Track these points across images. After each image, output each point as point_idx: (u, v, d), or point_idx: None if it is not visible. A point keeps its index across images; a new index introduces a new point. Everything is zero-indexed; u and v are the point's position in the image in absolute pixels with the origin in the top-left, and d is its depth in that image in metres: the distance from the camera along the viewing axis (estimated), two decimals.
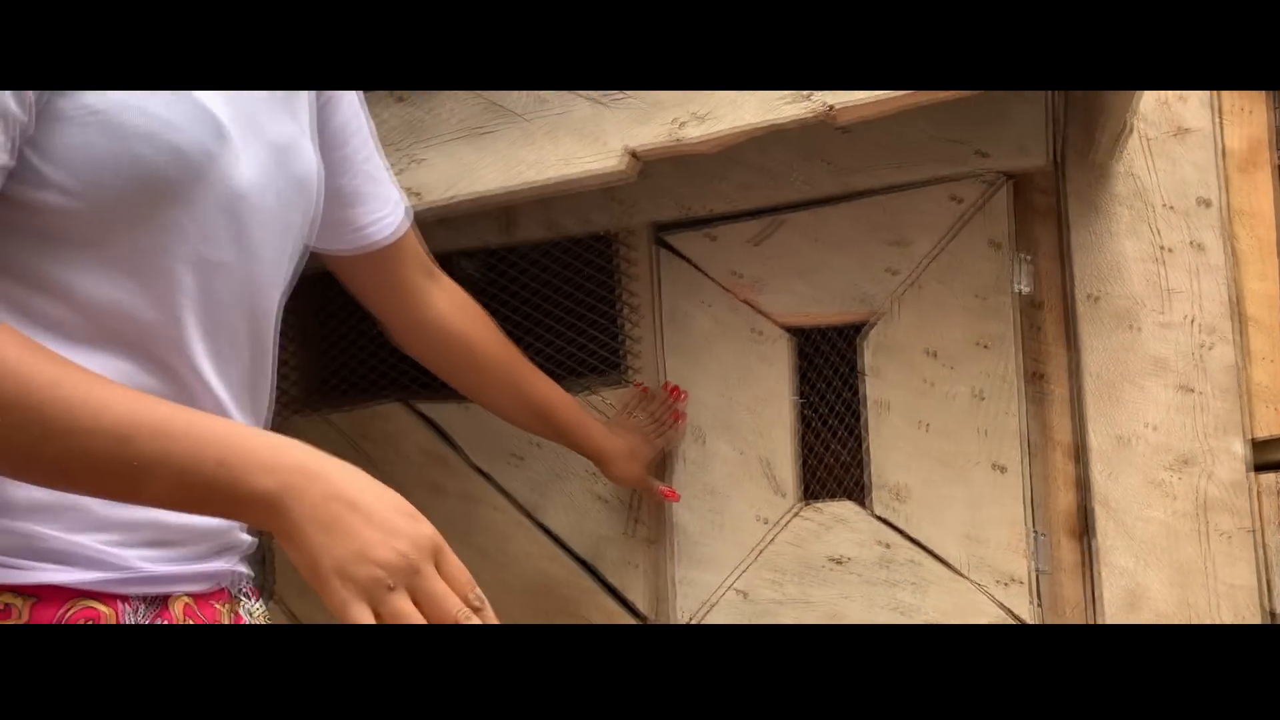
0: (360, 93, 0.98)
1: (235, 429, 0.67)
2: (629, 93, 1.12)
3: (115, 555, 0.70)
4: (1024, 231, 1.23)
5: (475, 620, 0.66)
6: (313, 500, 0.65)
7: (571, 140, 1.15)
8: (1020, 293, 1.21)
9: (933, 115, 1.18)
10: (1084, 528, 1.21)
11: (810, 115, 1.06)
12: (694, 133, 1.10)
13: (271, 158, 0.77)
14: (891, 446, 1.26)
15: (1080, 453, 1.21)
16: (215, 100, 0.71)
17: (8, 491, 0.67)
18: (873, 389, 1.26)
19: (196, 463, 0.64)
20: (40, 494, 0.68)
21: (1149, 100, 1.16)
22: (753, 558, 1.30)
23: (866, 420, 1.27)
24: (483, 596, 0.68)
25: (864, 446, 1.27)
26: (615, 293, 1.40)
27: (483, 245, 1.42)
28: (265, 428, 0.81)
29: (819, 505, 1.29)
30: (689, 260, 1.34)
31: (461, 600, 0.66)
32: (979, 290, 1.22)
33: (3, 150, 0.63)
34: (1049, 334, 1.23)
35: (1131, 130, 1.16)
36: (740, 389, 1.32)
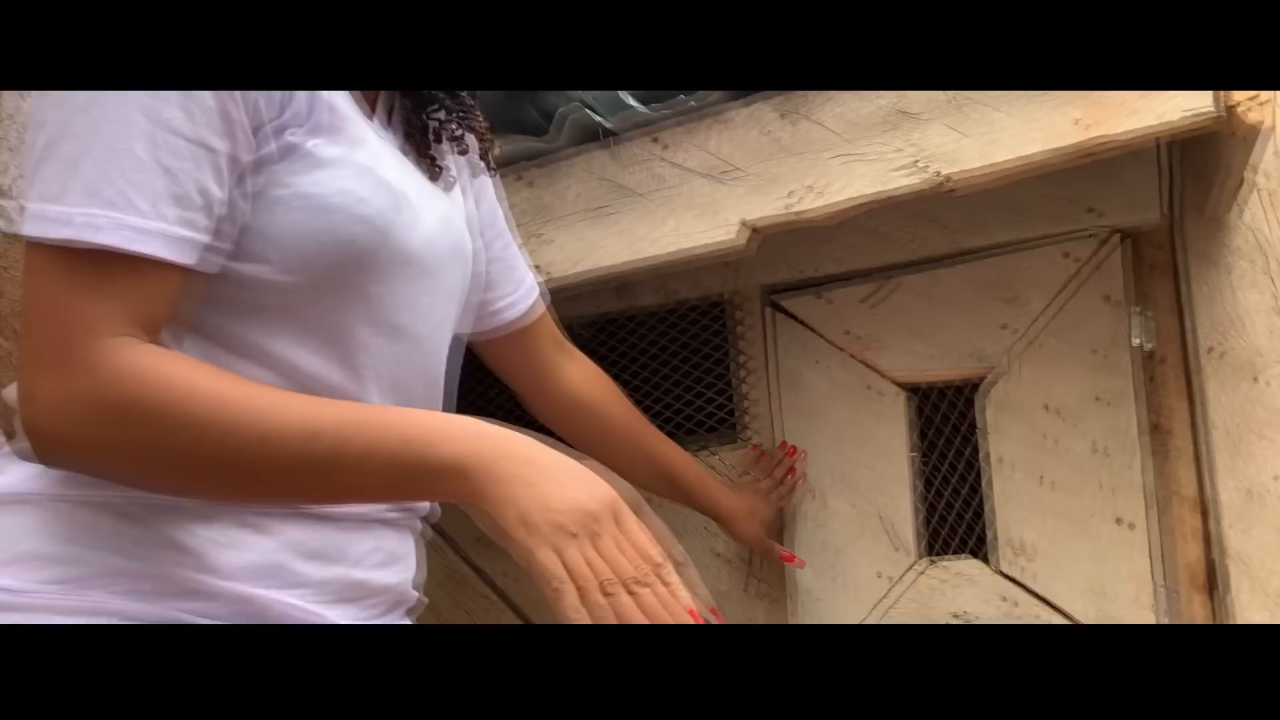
0: (498, 179, 1.04)
1: (410, 411, 0.72)
2: (744, 169, 1.17)
3: (317, 613, 0.76)
4: (1139, 287, 1.23)
5: (652, 578, 0.69)
6: (494, 460, 0.69)
7: (689, 216, 1.19)
8: (1139, 347, 1.22)
9: (1044, 175, 1.19)
10: (1212, 582, 1.20)
11: (924, 185, 1.09)
12: (809, 205, 1.14)
13: (437, 229, 0.83)
14: (1014, 502, 1.26)
15: (1208, 507, 1.20)
16: (391, 173, 0.78)
17: (220, 556, 0.73)
18: (993, 445, 1.27)
19: (382, 443, 0.68)
20: (253, 555, 0.74)
21: (1268, 155, 1.16)
22: (874, 614, 1.32)
23: (988, 477, 1.28)
24: (665, 553, 0.71)
25: (986, 503, 1.28)
26: (729, 354, 1.44)
27: (600, 313, 1.48)
28: None
29: (941, 562, 1.30)
30: (802, 321, 1.37)
31: (643, 557, 0.70)
32: (1096, 346, 1.23)
33: (204, 231, 0.69)
34: (1169, 388, 1.23)
35: (1250, 185, 1.16)
36: (857, 447, 1.34)
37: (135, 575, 0.71)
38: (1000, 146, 1.04)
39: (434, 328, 0.84)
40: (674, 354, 1.48)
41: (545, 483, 0.68)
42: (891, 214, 1.29)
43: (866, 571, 1.32)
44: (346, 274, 0.75)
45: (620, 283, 1.44)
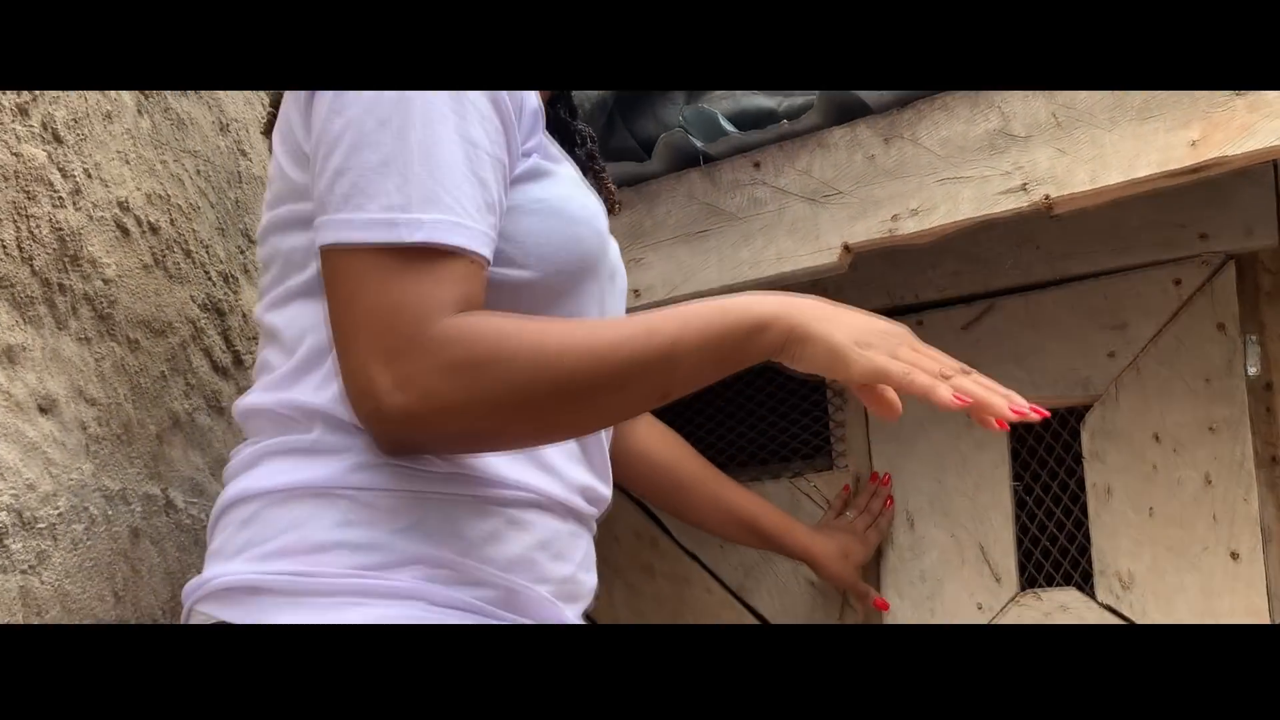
0: None
1: (699, 301, 0.80)
2: (845, 192, 1.16)
3: (559, 609, 0.84)
4: (1250, 313, 1.20)
5: (975, 373, 0.78)
6: (807, 306, 0.79)
7: (787, 238, 1.19)
8: (1254, 376, 1.18)
9: (1151, 199, 1.17)
10: None
11: (1027, 207, 1.08)
12: (910, 227, 1.13)
13: (616, 246, 0.94)
14: (1115, 532, 1.23)
15: None
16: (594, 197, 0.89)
17: (491, 549, 0.80)
18: (1094, 473, 1.24)
19: (707, 319, 0.77)
20: (515, 550, 0.81)
21: None
22: None
23: (1092, 507, 1.24)
24: (966, 368, 0.80)
25: (1086, 532, 1.25)
26: (822, 380, 1.42)
27: None
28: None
29: (1040, 592, 1.27)
30: None
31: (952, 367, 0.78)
32: (1205, 373, 1.20)
33: (491, 238, 0.77)
34: None
35: None
36: (953, 473, 1.32)
37: (434, 563, 0.77)
38: (1110, 168, 1.03)
39: None
40: (767, 379, 1.47)
41: (854, 317, 0.80)
42: (992, 239, 1.28)
43: (966, 603, 1.30)
44: (580, 277, 0.84)
45: None
